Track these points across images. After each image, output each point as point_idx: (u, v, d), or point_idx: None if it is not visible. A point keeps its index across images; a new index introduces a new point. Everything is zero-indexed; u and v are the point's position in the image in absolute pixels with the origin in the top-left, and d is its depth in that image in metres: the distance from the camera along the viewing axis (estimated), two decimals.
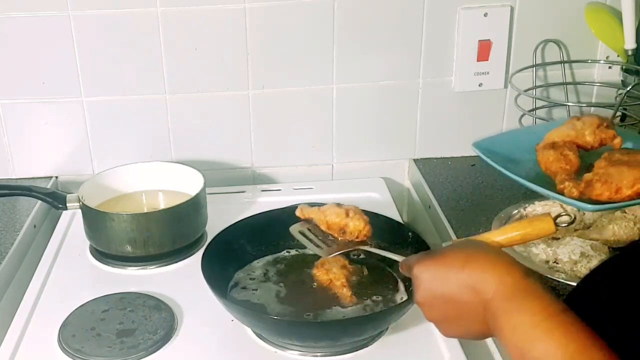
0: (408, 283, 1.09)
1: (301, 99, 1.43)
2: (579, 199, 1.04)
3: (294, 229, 1.11)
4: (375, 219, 1.18)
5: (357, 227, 1.07)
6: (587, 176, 1.06)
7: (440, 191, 1.35)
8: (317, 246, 1.08)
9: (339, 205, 1.11)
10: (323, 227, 1.10)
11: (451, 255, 0.77)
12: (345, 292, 1.07)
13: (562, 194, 1.06)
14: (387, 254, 1.01)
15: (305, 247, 1.18)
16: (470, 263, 0.74)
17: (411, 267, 0.82)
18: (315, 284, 1.10)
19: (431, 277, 0.77)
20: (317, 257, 1.16)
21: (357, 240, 1.08)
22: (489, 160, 1.15)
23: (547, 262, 1.08)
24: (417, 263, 0.80)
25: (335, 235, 1.09)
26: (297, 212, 1.12)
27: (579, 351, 0.64)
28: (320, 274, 1.10)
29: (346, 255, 1.14)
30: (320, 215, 1.10)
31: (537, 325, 0.66)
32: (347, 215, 1.08)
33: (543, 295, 0.69)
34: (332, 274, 1.09)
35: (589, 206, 1.02)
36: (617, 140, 1.15)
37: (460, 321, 0.76)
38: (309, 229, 1.10)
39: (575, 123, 1.18)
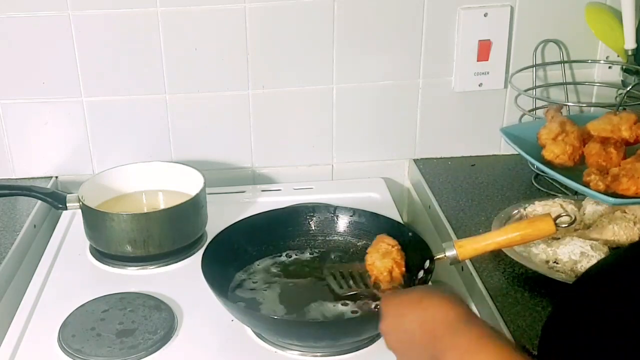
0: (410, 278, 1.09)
1: (301, 99, 1.43)
2: (604, 192, 1.05)
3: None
4: (375, 219, 1.18)
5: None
6: (614, 170, 1.07)
7: (440, 191, 1.35)
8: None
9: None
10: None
11: (411, 293, 0.88)
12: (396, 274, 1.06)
13: (587, 186, 1.06)
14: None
15: (304, 249, 1.19)
16: (424, 301, 0.84)
17: (382, 300, 0.90)
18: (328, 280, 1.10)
19: (393, 310, 0.87)
20: (317, 258, 1.16)
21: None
22: (514, 146, 1.16)
23: (547, 262, 1.08)
24: (384, 298, 0.90)
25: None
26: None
27: None
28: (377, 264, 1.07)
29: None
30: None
31: (469, 347, 0.75)
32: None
33: (478, 325, 0.78)
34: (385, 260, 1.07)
35: (611, 199, 1.03)
36: None
37: (412, 351, 0.84)
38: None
39: (612, 118, 1.18)
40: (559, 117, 1.21)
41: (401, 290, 0.94)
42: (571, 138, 1.16)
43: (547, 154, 1.16)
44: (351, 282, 1.08)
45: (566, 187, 1.27)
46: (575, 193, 1.24)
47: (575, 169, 1.15)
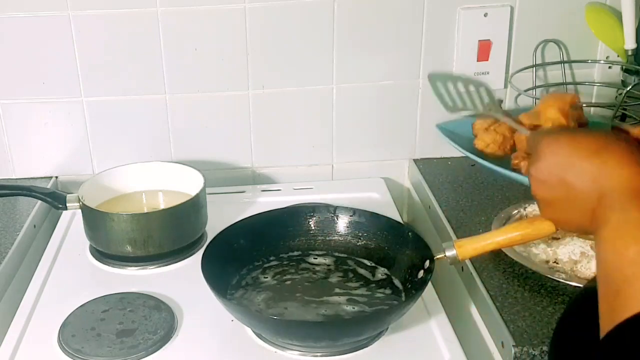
0: (410, 278, 1.09)
1: (301, 99, 1.43)
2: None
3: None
4: (375, 219, 1.18)
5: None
6: None
7: (440, 191, 1.35)
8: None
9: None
10: None
11: (588, 139, 0.74)
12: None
13: (516, 171, 1.07)
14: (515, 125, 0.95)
15: (304, 249, 1.19)
16: (603, 154, 0.70)
17: (541, 139, 0.78)
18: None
19: (558, 154, 0.75)
20: (317, 257, 1.16)
21: None
22: (448, 140, 1.18)
23: (547, 262, 1.08)
24: (549, 136, 0.76)
25: None
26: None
27: None
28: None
29: None
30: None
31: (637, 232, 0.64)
32: None
33: None
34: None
35: None
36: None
37: (565, 205, 0.74)
38: None
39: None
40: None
41: (569, 130, 0.81)
42: (502, 128, 1.17)
43: (478, 142, 1.18)
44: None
45: None
46: None
47: (507, 158, 1.16)
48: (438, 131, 1.27)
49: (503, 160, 1.16)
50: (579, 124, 1.14)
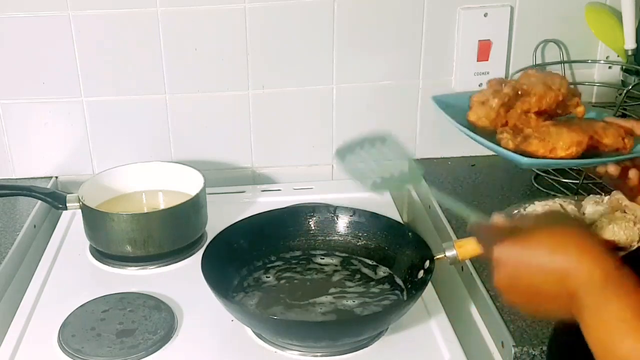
0: (410, 279, 1.09)
1: (301, 99, 1.43)
2: (515, 151, 1.03)
3: None
4: (375, 219, 1.18)
5: None
6: (527, 131, 1.06)
7: (440, 191, 1.35)
8: None
9: None
10: None
11: (537, 238, 0.72)
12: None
13: (499, 144, 1.06)
14: None
15: (305, 249, 1.19)
16: (559, 251, 0.69)
17: (493, 249, 0.76)
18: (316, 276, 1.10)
19: (514, 261, 0.73)
20: (317, 257, 1.16)
21: None
22: (443, 113, 1.16)
23: None
24: (499, 245, 0.75)
25: None
26: None
27: None
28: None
29: None
30: None
31: (626, 321, 0.63)
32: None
33: (634, 290, 0.65)
34: None
35: (524, 160, 1.01)
36: (580, 109, 1.13)
37: (541, 306, 0.73)
38: None
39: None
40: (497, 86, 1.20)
41: (518, 231, 0.75)
42: (497, 105, 1.15)
43: (471, 115, 1.16)
44: None
45: (566, 188, 1.28)
46: (576, 192, 1.24)
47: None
48: (434, 103, 1.21)
49: (493, 135, 1.15)
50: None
